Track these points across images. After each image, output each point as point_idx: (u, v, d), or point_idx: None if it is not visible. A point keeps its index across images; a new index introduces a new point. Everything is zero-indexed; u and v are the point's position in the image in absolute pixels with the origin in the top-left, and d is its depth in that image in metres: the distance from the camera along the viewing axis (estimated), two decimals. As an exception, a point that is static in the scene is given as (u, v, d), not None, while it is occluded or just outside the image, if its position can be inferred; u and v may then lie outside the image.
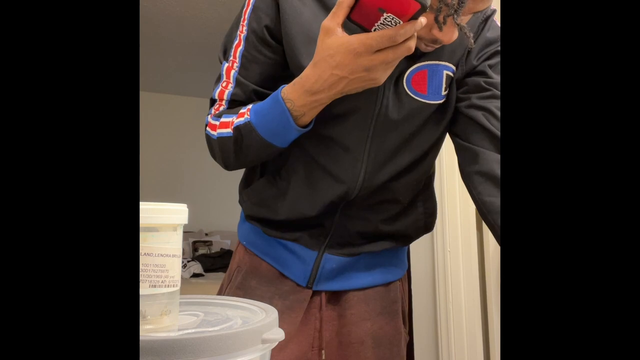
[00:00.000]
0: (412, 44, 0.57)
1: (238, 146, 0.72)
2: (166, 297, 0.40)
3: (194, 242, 4.06)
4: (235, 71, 0.77)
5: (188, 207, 0.42)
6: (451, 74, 0.74)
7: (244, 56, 0.77)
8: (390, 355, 0.83)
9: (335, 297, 0.82)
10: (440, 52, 0.72)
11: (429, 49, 0.67)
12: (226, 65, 0.78)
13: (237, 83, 0.77)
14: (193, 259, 3.76)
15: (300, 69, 0.70)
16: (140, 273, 0.38)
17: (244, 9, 0.78)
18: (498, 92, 0.73)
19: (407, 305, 0.91)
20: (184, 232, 0.44)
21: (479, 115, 0.72)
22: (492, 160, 0.70)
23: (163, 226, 0.39)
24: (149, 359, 0.32)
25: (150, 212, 0.38)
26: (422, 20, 0.54)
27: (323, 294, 0.81)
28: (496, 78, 0.74)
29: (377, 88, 0.72)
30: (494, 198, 0.68)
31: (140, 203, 0.35)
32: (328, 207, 0.77)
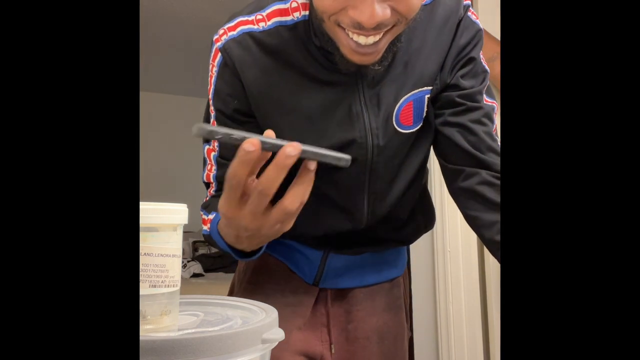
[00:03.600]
0: (261, 201, 0.50)
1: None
2: (166, 297, 0.40)
3: (194, 242, 4.05)
4: (215, 153, 0.75)
5: (188, 207, 0.42)
6: (429, 95, 0.73)
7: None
8: (394, 350, 0.84)
9: (341, 294, 0.84)
10: (420, 78, 0.71)
11: (362, 50, 0.61)
12: (207, 147, 0.77)
13: (219, 165, 0.75)
14: (193, 259, 3.75)
15: (279, 129, 0.69)
16: (140, 273, 0.38)
17: (208, 87, 0.75)
18: (472, 104, 0.72)
19: (408, 300, 0.92)
20: (184, 232, 0.43)
21: (454, 133, 0.72)
22: (472, 175, 0.71)
23: (163, 226, 0.39)
24: (149, 359, 0.32)
25: (150, 212, 0.38)
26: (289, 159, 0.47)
27: (329, 291, 0.83)
28: (470, 87, 0.72)
29: (366, 141, 0.71)
30: (478, 213, 0.70)
31: (140, 203, 0.35)
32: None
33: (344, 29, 0.59)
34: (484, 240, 0.70)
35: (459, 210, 0.75)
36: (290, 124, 0.71)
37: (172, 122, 4.69)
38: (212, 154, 0.75)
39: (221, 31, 0.72)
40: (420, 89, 0.72)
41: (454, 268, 1.74)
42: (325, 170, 0.69)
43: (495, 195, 0.69)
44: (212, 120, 0.75)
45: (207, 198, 0.78)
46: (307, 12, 0.69)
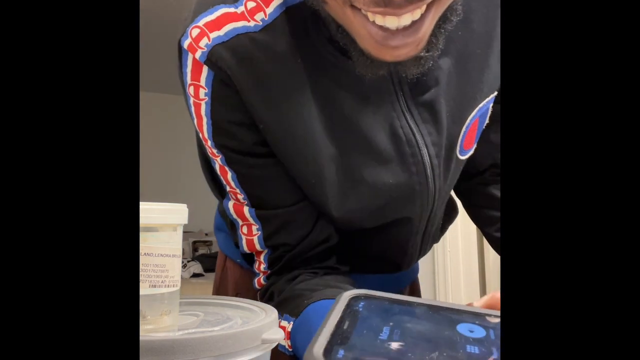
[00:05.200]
0: None
1: None
2: (166, 297, 0.40)
3: (194, 242, 4.05)
4: (250, 208, 0.51)
5: (188, 207, 0.42)
6: (492, 104, 0.54)
7: (242, 184, 0.51)
8: None
9: None
10: (494, 80, 0.50)
11: (394, 42, 0.38)
12: (231, 202, 0.52)
13: (264, 222, 0.51)
14: (193, 259, 3.75)
15: (301, 175, 0.49)
16: (140, 273, 0.38)
17: (196, 121, 0.50)
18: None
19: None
20: (184, 232, 0.42)
21: (486, 152, 0.60)
22: (473, 177, 0.67)
23: (163, 226, 0.39)
24: (149, 359, 0.32)
25: (150, 212, 0.38)
26: None
27: None
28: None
29: (427, 188, 0.50)
30: (480, 210, 0.68)
31: (140, 203, 0.35)
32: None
33: (359, 10, 0.37)
34: (486, 236, 0.69)
35: (459, 211, 0.74)
36: (317, 176, 0.49)
37: (172, 122, 4.68)
38: (246, 208, 0.51)
39: (195, 31, 0.45)
40: (489, 98, 0.51)
41: (454, 268, 1.74)
42: (375, 229, 0.54)
43: (497, 192, 0.66)
44: (218, 164, 0.51)
45: (260, 279, 0.55)
46: None
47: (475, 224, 0.71)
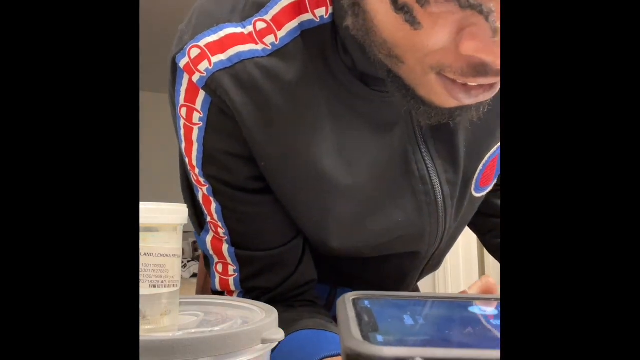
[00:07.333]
0: None
1: None
2: (166, 297, 0.40)
3: (194, 242, 4.06)
4: (230, 246, 0.47)
5: (188, 207, 0.42)
6: None
7: (227, 218, 0.47)
8: None
9: None
10: None
11: (470, 99, 0.35)
12: (209, 236, 0.48)
13: (243, 263, 0.47)
14: (193, 259, 3.76)
15: (302, 212, 0.46)
16: (140, 273, 0.38)
17: (183, 145, 0.48)
18: None
19: None
20: (184, 232, 0.42)
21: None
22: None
23: (163, 226, 0.39)
24: (149, 359, 0.32)
25: (150, 212, 0.38)
26: None
27: None
28: None
29: (437, 229, 0.48)
30: (476, 218, 0.67)
31: (140, 203, 0.35)
32: None
33: (443, 76, 0.34)
34: (484, 243, 0.70)
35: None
36: (322, 212, 0.45)
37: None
38: (225, 247, 0.48)
39: (195, 51, 0.40)
40: None
41: (454, 268, 1.74)
42: (374, 259, 0.52)
43: (495, 200, 0.67)
44: (202, 193, 0.47)
45: None
46: (332, 9, 0.40)
47: (473, 231, 0.72)
